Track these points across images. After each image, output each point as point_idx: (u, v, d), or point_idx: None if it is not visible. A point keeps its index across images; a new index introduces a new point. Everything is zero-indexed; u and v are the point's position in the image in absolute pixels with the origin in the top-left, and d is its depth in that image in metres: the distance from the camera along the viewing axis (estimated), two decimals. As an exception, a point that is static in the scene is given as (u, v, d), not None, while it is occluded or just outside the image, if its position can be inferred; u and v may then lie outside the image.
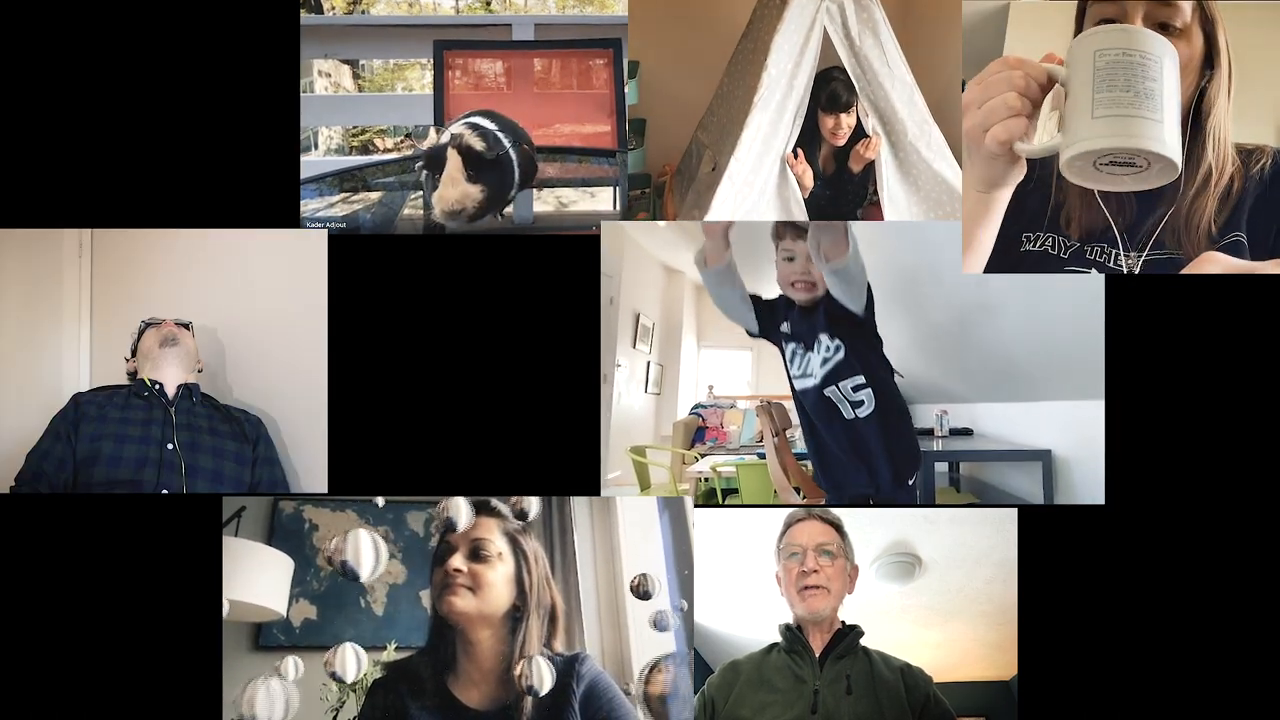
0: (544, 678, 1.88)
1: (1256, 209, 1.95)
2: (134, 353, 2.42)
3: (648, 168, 2.80)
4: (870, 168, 2.65)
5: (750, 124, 2.51)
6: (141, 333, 2.42)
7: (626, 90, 2.67)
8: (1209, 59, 1.92)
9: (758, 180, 2.53)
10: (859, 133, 2.69)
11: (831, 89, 2.66)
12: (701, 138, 2.75)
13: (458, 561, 1.94)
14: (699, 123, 2.79)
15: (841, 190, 2.74)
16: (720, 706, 2.11)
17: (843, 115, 2.68)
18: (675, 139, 2.83)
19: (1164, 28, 1.89)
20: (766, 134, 2.54)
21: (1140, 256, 2.00)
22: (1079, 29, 1.95)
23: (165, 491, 2.27)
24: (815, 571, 2.12)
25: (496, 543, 1.98)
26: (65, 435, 2.29)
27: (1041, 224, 2.04)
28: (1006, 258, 2.00)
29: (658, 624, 2.19)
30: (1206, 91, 1.92)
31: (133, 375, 2.41)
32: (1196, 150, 1.92)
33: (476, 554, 1.96)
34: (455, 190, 2.19)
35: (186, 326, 2.43)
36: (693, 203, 2.63)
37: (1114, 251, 2.02)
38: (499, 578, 1.96)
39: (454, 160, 2.19)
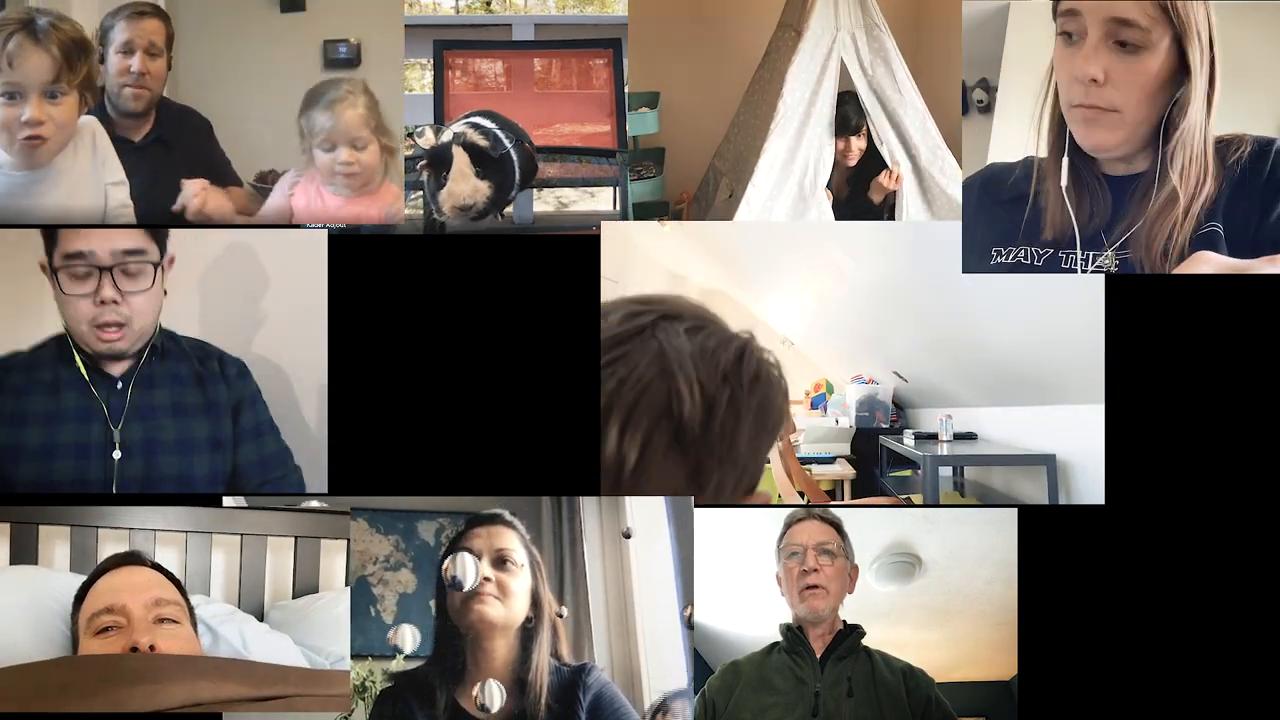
0: (494, 698, 1.91)
1: (1234, 200, 1.93)
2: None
3: (666, 195, 2.82)
4: (890, 196, 2.66)
5: (766, 151, 2.53)
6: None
7: (646, 119, 2.70)
8: (1186, 69, 1.90)
9: (776, 206, 2.54)
10: (872, 157, 2.70)
11: (842, 112, 2.67)
12: (719, 165, 2.78)
13: (486, 570, 1.94)
14: (716, 151, 2.82)
15: (857, 216, 2.75)
16: (721, 708, 2.11)
17: (853, 138, 2.69)
18: (693, 167, 2.87)
19: (1121, 45, 1.88)
20: (784, 161, 2.56)
21: (1113, 254, 2.00)
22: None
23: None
24: (816, 570, 2.12)
25: (518, 553, 1.97)
26: None
27: (1014, 238, 2.05)
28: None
29: (686, 621, 2.19)
30: (1179, 103, 1.90)
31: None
32: (1163, 168, 1.91)
33: (501, 563, 1.96)
34: (466, 185, 2.20)
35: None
36: (710, 229, 2.65)
37: (1089, 253, 2.02)
38: (521, 587, 1.96)
39: (461, 156, 2.20)
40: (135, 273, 2.06)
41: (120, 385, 2.12)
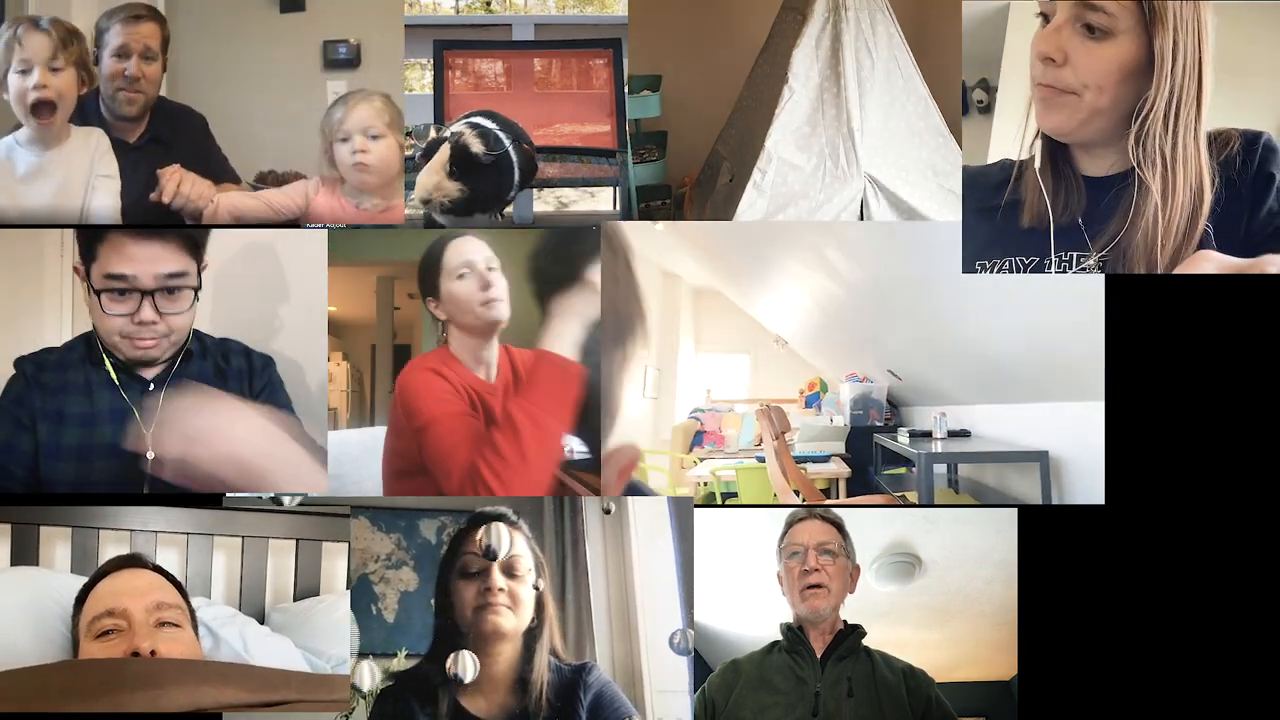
0: (467, 668, 1.91)
1: (1221, 196, 1.92)
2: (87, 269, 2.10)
3: (668, 179, 2.82)
4: None
5: (770, 136, 2.52)
6: None
7: (648, 103, 2.70)
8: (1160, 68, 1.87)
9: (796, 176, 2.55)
10: None
11: None
12: (721, 150, 2.77)
13: (499, 580, 1.93)
14: (718, 135, 2.81)
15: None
16: (721, 707, 2.11)
17: None
18: (695, 151, 2.87)
19: (1089, 30, 1.88)
20: (796, 143, 2.56)
21: (1097, 261, 1.99)
22: None
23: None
24: (817, 570, 2.12)
25: (526, 558, 1.97)
26: (28, 423, 2.07)
27: (995, 251, 2.05)
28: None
29: (676, 646, 2.18)
30: (1147, 99, 1.87)
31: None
32: (1139, 169, 1.90)
33: (511, 571, 1.95)
34: (430, 179, 2.20)
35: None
36: (711, 213, 2.66)
37: (1073, 254, 2.02)
38: (528, 595, 1.96)
39: (442, 153, 2.20)
40: (175, 295, 2.10)
41: (152, 387, 2.12)
